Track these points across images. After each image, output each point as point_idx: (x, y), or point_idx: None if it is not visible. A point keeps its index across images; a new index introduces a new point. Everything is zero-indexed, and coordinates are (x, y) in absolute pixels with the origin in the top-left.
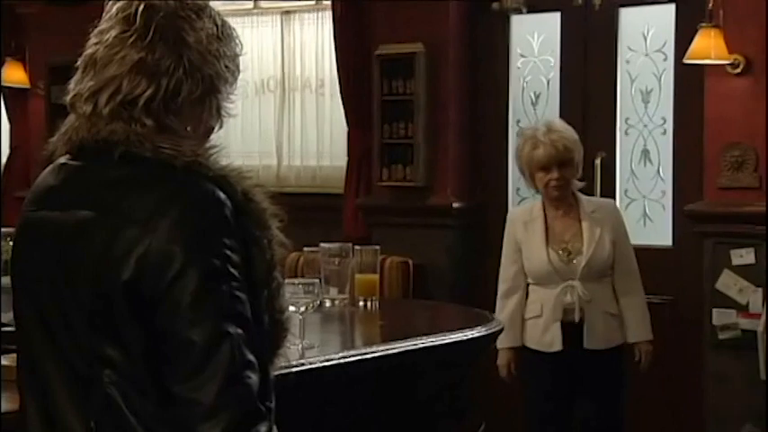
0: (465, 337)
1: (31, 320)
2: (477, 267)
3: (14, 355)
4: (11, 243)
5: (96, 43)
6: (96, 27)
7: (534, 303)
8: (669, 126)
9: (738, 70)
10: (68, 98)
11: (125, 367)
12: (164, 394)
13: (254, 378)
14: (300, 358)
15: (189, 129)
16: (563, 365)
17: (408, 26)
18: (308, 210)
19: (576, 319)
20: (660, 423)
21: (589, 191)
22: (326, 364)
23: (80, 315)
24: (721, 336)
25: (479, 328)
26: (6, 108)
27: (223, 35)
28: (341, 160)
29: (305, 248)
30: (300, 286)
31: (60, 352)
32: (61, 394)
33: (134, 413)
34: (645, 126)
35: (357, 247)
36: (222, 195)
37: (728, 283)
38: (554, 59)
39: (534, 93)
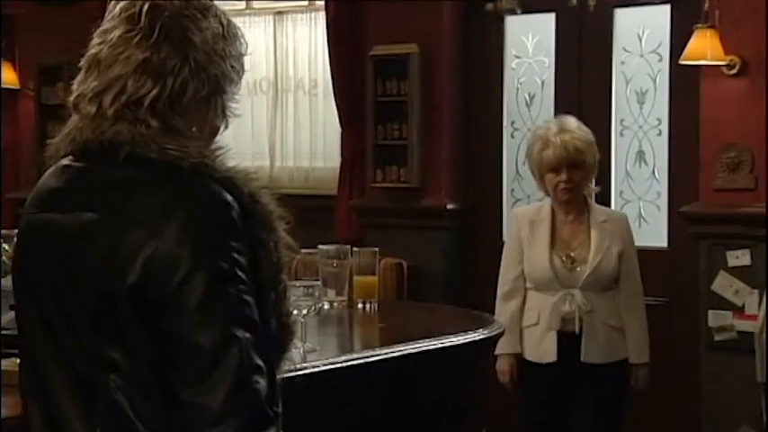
0: (467, 340)
1: (33, 324)
2: (471, 268)
3: (14, 359)
4: (4, 245)
5: (100, 43)
6: (99, 27)
7: (531, 311)
8: (664, 127)
9: (734, 71)
10: (71, 99)
11: (131, 372)
12: (170, 399)
13: (262, 383)
14: (302, 362)
15: (194, 129)
16: (559, 378)
17: (402, 27)
18: (301, 211)
19: (576, 329)
20: (656, 424)
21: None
22: (330, 367)
23: (84, 318)
24: (717, 337)
25: (481, 330)
26: None
27: (228, 34)
28: (334, 161)
29: (302, 250)
30: (301, 288)
31: (63, 356)
32: (64, 399)
33: (140, 419)
34: (640, 127)
35: (355, 249)
36: (229, 197)
37: (724, 284)
38: (548, 60)
39: (529, 94)
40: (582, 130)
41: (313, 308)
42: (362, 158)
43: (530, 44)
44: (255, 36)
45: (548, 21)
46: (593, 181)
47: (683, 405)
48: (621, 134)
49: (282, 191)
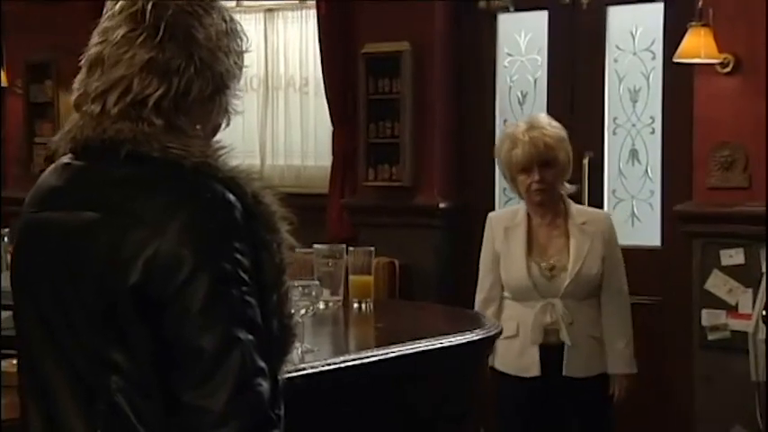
0: (466, 340)
1: (31, 323)
2: (463, 267)
3: (12, 360)
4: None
5: (102, 42)
6: (97, 25)
7: (510, 321)
8: (658, 125)
9: (728, 69)
10: (73, 98)
11: (132, 373)
12: (171, 401)
13: (264, 385)
14: (300, 363)
15: (198, 128)
16: (541, 392)
17: (394, 25)
18: (292, 210)
19: (557, 341)
20: (648, 424)
21: (577, 191)
22: (328, 368)
23: (84, 317)
24: (710, 336)
25: (478, 330)
26: None
27: (231, 31)
28: (325, 160)
29: (296, 249)
30: (299, 288)
31: (62, 354)
32: (64, 398)
33: (141, 421)
34: (633, 125)
35: (351, 248)
36: (232, 197)
37: (718, 283)
38: (541, 58)
39: (521, 92)
40: (553, 126)
41: (311, 308)
42: (354, 157)
43: (522, 42)
44: (246, 33)
45: (540, 18)
46: (566, 180)
47: (676, 404)
48: (614, 133)
49: None
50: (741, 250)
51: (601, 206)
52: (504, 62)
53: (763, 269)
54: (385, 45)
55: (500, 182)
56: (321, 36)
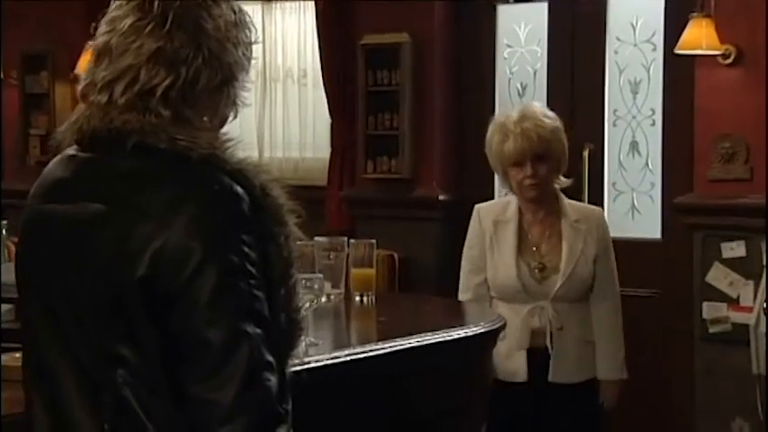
0: (470, 333)
1: (37, 315)
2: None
3: (14, 353)
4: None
5: (109, 31)
6: (105, 15)
7: None
8: (658, 117)
9: (729, 61)
10: (80, 87)
11: (139, 367)
12: (179, 395)
13: (272, 379)
14: (305, 357)
15: (206, 119)
16: (528, 398)
17: (394, 16)
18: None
19: (546, 345)
20: (649, 417)
21: (577, 184)
22: (332, 362)
23: (90, 310)
24: (711, 329)
25: (483, 323)
26: None
27: (240, 21)
28: (324, 152)
29: (297, 242)
30: (302, 281)
31: (68, 347)
32: (69, 391)
33: (148, 415)
34: (633, 117)
35: (352, 241)
36: (240, 190)
37: (719, 276)
38: (541, 50)
39: (521, 83)
40: (547, 116)
41: (315, 301)
42: (353, 149)
43: (522, 33)
44: (254, 25)
45: (540, 10)
46: (562, 174)
47: (677, 397)
48: (615, 124)
49: None
50: (742, 243)
51: (601, 198)
52: (503, 53)
53: (764, 261)
54: (384, 36)
55: None
56: (320, 27)
